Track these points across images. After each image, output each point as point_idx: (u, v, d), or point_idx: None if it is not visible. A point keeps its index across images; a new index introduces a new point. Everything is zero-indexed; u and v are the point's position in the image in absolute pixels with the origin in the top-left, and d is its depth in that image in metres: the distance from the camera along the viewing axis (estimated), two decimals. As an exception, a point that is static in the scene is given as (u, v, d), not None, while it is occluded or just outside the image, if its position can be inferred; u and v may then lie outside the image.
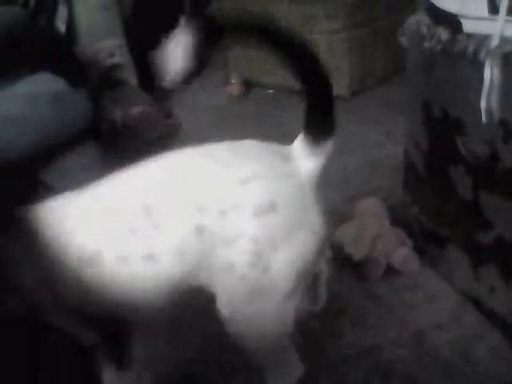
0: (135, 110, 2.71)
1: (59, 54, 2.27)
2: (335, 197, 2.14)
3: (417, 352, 1.47)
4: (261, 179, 0.93)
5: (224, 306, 1.00)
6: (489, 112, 1.30)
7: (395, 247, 1.74)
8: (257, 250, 0.92)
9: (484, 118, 1.31)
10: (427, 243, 1.74)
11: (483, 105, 1.29)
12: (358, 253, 1.75)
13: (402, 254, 1.73)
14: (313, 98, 0.95)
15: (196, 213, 0.92)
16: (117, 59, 2.76)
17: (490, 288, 1.48)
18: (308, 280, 1.05)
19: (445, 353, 1.46)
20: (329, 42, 2.96)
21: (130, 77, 2.84)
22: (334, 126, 0.98)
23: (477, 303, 1.55)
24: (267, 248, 0.93)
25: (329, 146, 0.98)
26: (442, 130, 1.51)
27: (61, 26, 2.44)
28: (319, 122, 0.97)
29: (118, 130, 2.60)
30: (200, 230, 0.92)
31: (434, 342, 1.49)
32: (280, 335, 1.08)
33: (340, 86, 3.05)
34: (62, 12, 2.42)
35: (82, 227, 0.98)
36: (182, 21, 3.28)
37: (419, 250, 1.75)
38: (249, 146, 1.01)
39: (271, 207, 0.92)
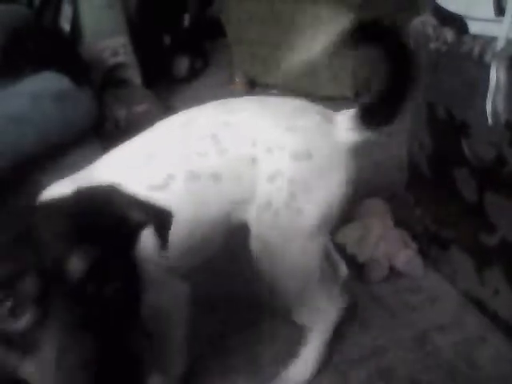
0: (139, 109, 2.71)
1: (63, 52, 2.27)
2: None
3: (420, 354, 1.47)
4: (302, 130, 1.13)
5: (257, 241, 1.15)
6: (495, 114, 1.29)
7: (398, 249, 1.73)
8: (292, 190, 1.10)
9: (490, 121, 1.30)
10: (430, 245, 1.73)
11: (489, 107, 1.29)
12: (361, 254, 1.75)
13: (405, 255, 1.72)
14: (393, 88, 1.14)
15: (251, 146, 1.12)
16: (121, 58, 2.76)
17: (493, 290, 1.48)
18: (330, 227, 1.22)
19: (448, 355, 1.45)
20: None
21: (134, 75, 2.85)
22: (391, 121, 1.15)
23: (480, 305, 1.55)
24: (300, 190, 1.10)
25: (376, 133, 1.18)
26: (446, 131, 1.50)
27: (65, 25, 2.44)
28: (384, 111, 1.16)
29: (121, 128, 2.60)
30: (253, 161, 1.11)
31: (437, 345, 1.49)
32: (306, 275, 1.21)
33: (344, 86, 3.05)
34: (66, 11, 2.42)
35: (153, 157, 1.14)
36: (186, 20, 3.27)
37: (422, 252, 1.75)
38: (300, 102, 1.23)
39: (307, 155, 1.10)
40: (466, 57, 1.37)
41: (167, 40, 3.25)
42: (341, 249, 1.79)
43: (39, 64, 2.08)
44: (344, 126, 1.16)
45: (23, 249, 0.63)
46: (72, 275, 0.63)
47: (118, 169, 1.15)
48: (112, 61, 2.63)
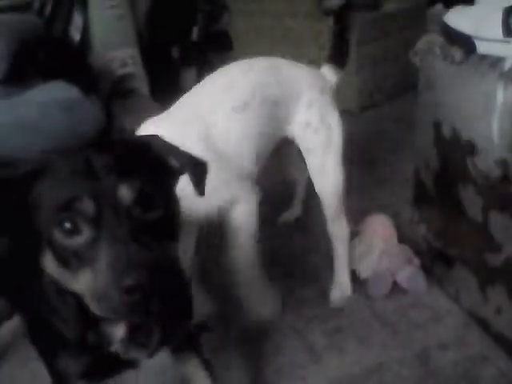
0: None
1: (73, 62, 2.30)
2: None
3: (421, 372, 1.45)
4: (321, 75, 1.66)
5: (305, 153, 1.60)
6: (501, 134, 1.30)
7: (402, 265, 1.73)
8: (321, 113, 1.57)
9: (496, 139, 1.31)
10: (434, 262, 1.73)
11: (495, 126, 1.30)
12: (363, 270, 1.75)
13: (408, 272, 1.72)
14: (342, 44, 1.70)
15: (297, 83, 1.56)
16: (129, 69, 2.79)
17: (497, 309, 1.47)
18: None
19: (450, 374, 1.44)
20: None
21: (142, 86, 2.87)
22: (347, 61, 1.71)
23: (483, 324, 1.54)
24: (325, 112, 1.58)
25: (342, 72, 1.68)
26: (452, 150, 1.51)
27: (75, 35, 2.47)
28: (343, 57, 1.70)
29: (127, 138, 2.61)
30: (298, 94, 1.55)
31: (438, 363, 1.48)
32: (340, 186, 1.65)
33: (349, 100, 3.07)
34: (77, 21, 2.45)
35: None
36: (194, 33, 3.31)
37: (426, 269, 1.75)
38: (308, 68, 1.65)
39: (325, 90, 1.61)
40: (473, 76, 1.38)
41: (175, 52, 3.28)
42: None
43: (48, 73, 2.10)
44: (329, 76, 1.66)
45: (80, 178, 0.73)
46: (122, 201, 0.72)
47: (205, 98, 1.48)
48: (120, 71, 2.65)
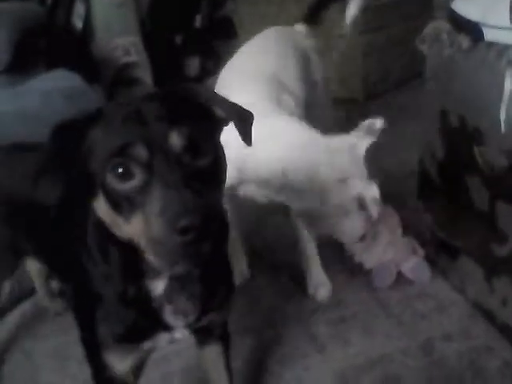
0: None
1: (75, 50, 2.28)
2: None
3: (426, 363, 1.45)
4: (310, 40, 1.78)
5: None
6: (508, 122, 1.28)
7: (406, 256, 1.72)
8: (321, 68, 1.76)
9: (503, 129, 1.29)
10: (439, 253, 1.72)
11: (502, 115, 1.28)
12: (368, 260, 1.74)
13: (413, 262, 1.71)
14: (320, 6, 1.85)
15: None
16: (132, 57, 2.77)
17: (502, 300, 1.46)
18: None
19: (454, 364, 1.44)
20: (345, 46, 2.94)
21: (145, 75, 2.85)
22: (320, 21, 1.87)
23: (488, 315, 1.53)
24: (319, 66, 1.76)
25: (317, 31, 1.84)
26: (459, 139, 1.49)
27: (77, 23, 2.45)
28: (316, 17, 1.85)
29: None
30: (309, 56, 1.72)
31: (443, 353, 1.48)
32: None
33: (354, 89, 3.04)
34: (79, 9, 2.43)
35: None
36: (197, 20, 3.29)
37: (431, 260, 1.74)
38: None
39: (316, 50, 1.78)
40: (480, 64, 1.35)
41: (178, 40, 3.25)
42: (348, 256, 1.79)
43: (51, 62, 2.09)
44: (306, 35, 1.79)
45: (133, 125, 0.75)
46: (172, 148, 0.74)
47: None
48: (123, 60, 2.63)
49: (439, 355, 1.47)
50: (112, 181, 0.74)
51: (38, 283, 1.71)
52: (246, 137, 0.88)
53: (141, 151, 0.73)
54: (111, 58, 2.53)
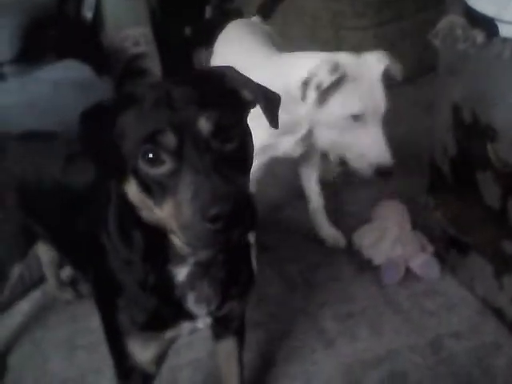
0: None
1: (85, 41, 2.27)
2: (357, 197, 2.11)
3: (434, 360, 1.45)
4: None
5: None
6: (522, 119, 1.26)
7: (415, 252, 1.71)
8: None
9: (517, 126, 1.27)
10: (449, 249, 1.71)
11: (517, 111, 1.26)
12: (377, 256, 1.73)
13: (422, 259, 1.70)
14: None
15: None
16: (142, 48, 2.75)
17: (512, 298, 1.45)
18: None
19: (462, 362, 1.43)
20: (356, 38, 2.91)
21: (154, 66, 2.84)
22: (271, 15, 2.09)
23: (498, 313, 1.52)
24: None
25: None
26: (471, 134, 1.47)
27: (87, 14, 2.43)
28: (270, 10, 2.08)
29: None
30: None
31: (451, 351, 1.47)
32: None
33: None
34: (89, -1, 2.42)
35: None
36: (207, 11, 3.28)
37: (440, 256, 1.72)
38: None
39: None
40: (494, 60, 1.34)
41: (188, 31, 3.23)
42: (356, 252, 1.78)
43: (61, 52, 2.08)
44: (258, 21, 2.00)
45: (162, 111, 0.75)
46: (201, 133, 0.74)
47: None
48: (133, 50, 2.62)
49: (447, 352, 1.46)
50: (143, 166, 0.75)
51: (48, 272, 1.72)
52: (273, 119, 0.87)
53: (170, 139, 0.73)
54: (121, 48, 2.52)
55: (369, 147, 1.41)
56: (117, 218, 0.92)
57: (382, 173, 1.41)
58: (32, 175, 1.19)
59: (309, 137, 1.56)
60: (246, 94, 0.86)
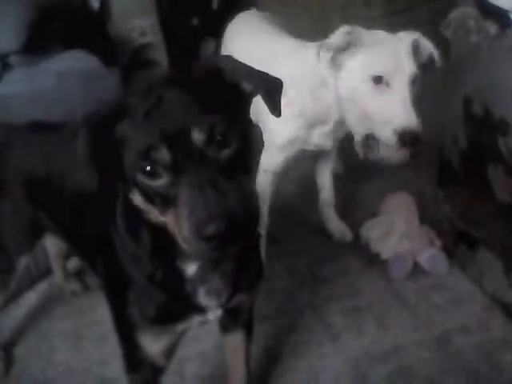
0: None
1: (92, 31, 2.26)
2: (365, 190, 2.09)
3: (441, 355, 1.44)
4: None
5: None
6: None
7: (423, 246, 1.69)
8: None
9: (530, 119, 1.25)
10: (458, 244, 1.69)
11: (529, 104, 1.24)
12: (384, 250, 1.71)
13: (429, 253, 1.68)
14: None
15: None
16: (148, 38, 2.74)
17: (521, 294, 1.44)
18: None
19: (470, 357, 1.42)
20: (366, 28, 2.88)
21: (161, 56, 2.82)
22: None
23: (506, 309, 1.51)
24: None
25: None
26: (483, 128, 1.45)
27: (94, 3, 2.42)
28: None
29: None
30: None
31: (459, 346, 1.46)
32: None
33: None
34: (96, -11, 2.40)
35: None
36: (214, 2, 3.28)
37: (449, 251, 1.71)
38: None
39: None
40: (508, 52, 1.31)
41: (195, 22, 3.21)
42: (364, 246, 1.77)
43: (67, 42, 2.06)
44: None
45: (155, 124, 0.74)
46: (195, 144, 0.73)
47: None
48: (140, 41, 2.60)
49: (455, 348, 1.46)
50: (143, 179, 0.75)
51: (55, 263, 1.72)
52: (275, 107, 0.83)
53: (164, 155, 0.73)
54: (128, 39, 2.50)
55: (393, 112, 1.32)
56: (124, 215, 0.91)
57: (407, 140, 1.31)
58: (40, 168, 1.19)
59: (340, 127, 1.53)
60: (246, 86, 0.83)
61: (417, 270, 1.69)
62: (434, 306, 1.59)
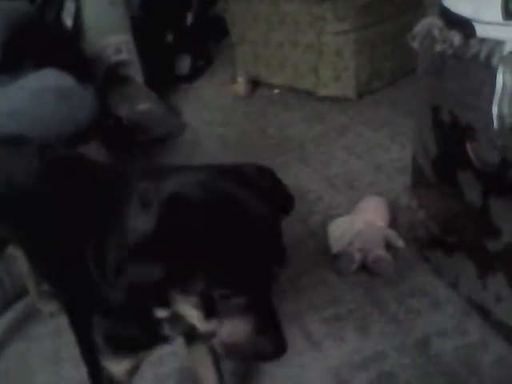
0: (141, 107, 2.70)
1: (66, 49, 2.26)
2: (340, 200, 2.12)
3: (421, 360, 1.45)
4: None
5: None
6: (500, 118, 1.27)
7: (374, 247, 1.74)
8: None
9: (495, 124, 1.28)
10: (433, 249, 1.72)
11: (495, 111, 1.27)
12: (335, 246, 1.77)
13: (375, 254, 1.73)
14: None
15: None
16: (123, 55, 2.75)
17: (496, 296, 1.46)
18: None
19: (449, 361, 1.44)
20: (337, 43, 2.94)
21: (136, 73, 2.83)
22: None
23: (483, 311, 1.53)
24: None
25: None
26: (451, 135, 1.49)
27: (68, 21, 2.42)
28: None
29: (124, 126, 2.59)
30: None
31: (438, 350, 1.47)
32: None
33: (347, 87, 3.04)
34: (69, 7, 2.40)
35: None
36: (189, 18, 3.33)
37: (425, 256, 1.73)
38: None
39: None
40: (472, 60, 1.35)
41: (170, 38, 3.24)
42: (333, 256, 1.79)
43: (41, 60, 2.07)
44: None
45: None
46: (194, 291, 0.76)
47: None
48: (114, 58, 2.61)
49: (434, 352, 1.47)
50: None
51: (29, 283, 1.69)
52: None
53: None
54: (102, 56, 2.51)
55: None
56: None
57: None
58: (7, 181, 1.15)
59: None
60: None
61: (395, 276, 1.71)
62: (412, 311, 1.61)
